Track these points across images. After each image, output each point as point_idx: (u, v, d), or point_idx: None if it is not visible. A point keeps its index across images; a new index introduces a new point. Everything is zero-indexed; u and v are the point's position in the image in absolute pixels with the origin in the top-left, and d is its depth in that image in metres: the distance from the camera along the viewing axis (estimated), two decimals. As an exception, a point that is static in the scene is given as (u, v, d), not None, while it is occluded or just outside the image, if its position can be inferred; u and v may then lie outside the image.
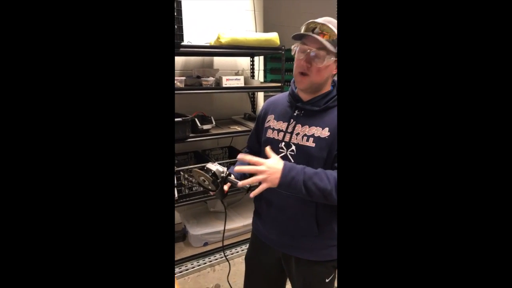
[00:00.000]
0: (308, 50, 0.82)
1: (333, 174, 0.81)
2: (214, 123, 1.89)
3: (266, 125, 0.99)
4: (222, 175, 0.87)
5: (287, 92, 0.99)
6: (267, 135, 0.97)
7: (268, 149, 0.86)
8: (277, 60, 3.08)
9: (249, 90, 2.25)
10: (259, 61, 2.44)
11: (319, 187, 0.79)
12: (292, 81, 0.97)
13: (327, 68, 0.85)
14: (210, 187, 0.90)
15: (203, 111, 2.00)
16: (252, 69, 2.38)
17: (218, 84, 1.89)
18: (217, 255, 2.03)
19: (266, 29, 2.36)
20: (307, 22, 0.84)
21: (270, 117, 0.99)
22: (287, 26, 3.22)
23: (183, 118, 1.71)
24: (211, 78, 1.84)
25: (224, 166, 0.90)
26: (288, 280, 1.08)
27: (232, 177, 0.90)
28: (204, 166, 0.91)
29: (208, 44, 1.85)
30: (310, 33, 0.81)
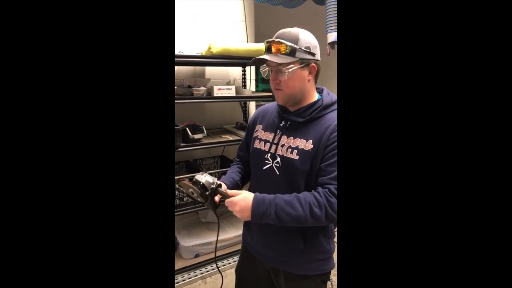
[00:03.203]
0: (269, 69, 0.87)
1: (307, 198, 0.80)
2: (205, 132, 1.88)
3: (254, 135, 0.99)
4: (212, 186, 0.85)
5: (276, 103, 0.98)
6: (254, 146, 0.97)
7: (228, 191, 0.87)
8: (268, 70, 3.10)
9: (241, 100, 2.26)
10: (251, 71, 2.45)
11: (293, 216, 0.79)
12: None
13: (295, 77, 0.85)
14: (199, 199, 0.87)
15: (195, 120, 1.99)
16: (244, 78, 2.39)
17: (209, 94, 1.89)
18: (209, 267, 1.98)
19: (257, 40, 2.38)
20: (264, 43, 0.88)
21: (259, 127, 0.99)
22: (278, 36, 3.26)
23: (174, 127, 1.70)
24: (203, 88, 1.84)
25: (214, 176, 0.88)
26: None
27: (223, 187, 0.88)
28: (193, 177, 0.88)
29: (200, 54, 1.85)
30: (261, 57, 0.85)
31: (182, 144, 1.77)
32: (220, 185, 0.87)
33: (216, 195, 0.86)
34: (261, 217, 0.81)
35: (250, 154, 0.99)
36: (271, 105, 1.03)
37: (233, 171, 1.06)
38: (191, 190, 0.87)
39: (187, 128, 1.80)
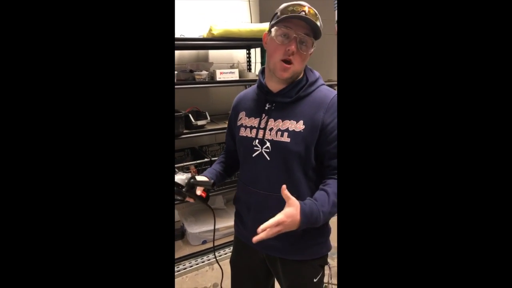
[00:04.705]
0: (295, 35, 0.77)
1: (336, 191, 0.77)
2: (208, 118, 1.83)
3: (238, 123, 0.93)
4: (185, 181, 0.84)
5: (255, 86, 0.93)
6: (240, 134, 0.91)
7: (286, 193, 0.73)
8: (275, 52, 3.00)
9: (245, 84, 2.18)
10: (255, 53, 2.37)
11: (335, 213, 0.75)
12: (260, 71, 0.92)
13: (309, 55, 0.81)
14: (179, 198, 0.86)
15: (198, 106, 1.94)
16: (249, 61, 2.31)
17: (212, 78, 1.83)
18: (216, 253, 1.99)
19: (262, 20, 2.28)
20: (288, 5, 0.78)
21: (242, 114, 0.93)
22: (284, 16, 3.13)
23: (176, 114, 1.65)
24: (204, 72, 1.78)
25: (187, 172, 0.89)
26: (276, 281, 1.04)
27: (199, 178, 0.87)
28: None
29: (201, 37, 1.78)
30: (306, 16, 0.75)
31: (185, 131, 1.74)
32: (193, 177, 0.86)
33: (193, 187, 0.85)
34: (309, 226, 0.75)
35: (237, 144, 0.94)
36: (249, 91, 0.98)
37: (217, 162, 1.04)
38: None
39: (189, 115, 1.76)
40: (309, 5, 0.77)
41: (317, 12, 0.78)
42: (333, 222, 0.73)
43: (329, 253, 0.95)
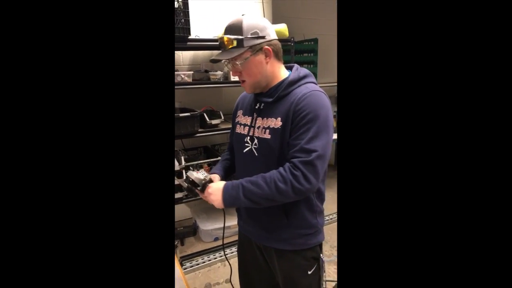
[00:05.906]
0: (225, 63, 0.90)
1: (272, 175, 0.82)
2: (222, 117, 1.87)
3: (236, 120, 1.02)
4: (202, 182, 0.89)
5: None
6: (236, 131, 1.00)
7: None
8: (286, 53, 3.00)
9: (258, 84, 2.21)
10: (269, 53, 2.39)
11: (261, 196, 0.82)
12: None
13: (251, 65, 0.87)
14: (190, 195, 0.92)
15: (212, 105, 1.98)
16: (261, 62, 2.33)
17: (226, 78, 1.86)
18: (228, 250, 2.02)
19: (275, 21, 2.31)
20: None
21: (239, 113, 1.02)
22: (296, 17, 3.14)
23: (191, 113, 1.70)
24: (219, 72, 1.82)
25: (206, 173, 0.93)
26: None
27: (211, 176, 0.93)
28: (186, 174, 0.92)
29: (216, 37, 1.82)
30: (214, 57, 0.88)
31: (199, 130, 1.78)
32: (210, 181, 0.92)
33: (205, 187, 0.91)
34: (233, 201, 0.85)
35: (234, 139, 1.03)
36: None
37: (223, 160, 1.11)
38: (183, 186, 0.91)
39: (204, 114, 1.79)
40: (224, 32, 0.86)
41: (226, 36, 0.85)
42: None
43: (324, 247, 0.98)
